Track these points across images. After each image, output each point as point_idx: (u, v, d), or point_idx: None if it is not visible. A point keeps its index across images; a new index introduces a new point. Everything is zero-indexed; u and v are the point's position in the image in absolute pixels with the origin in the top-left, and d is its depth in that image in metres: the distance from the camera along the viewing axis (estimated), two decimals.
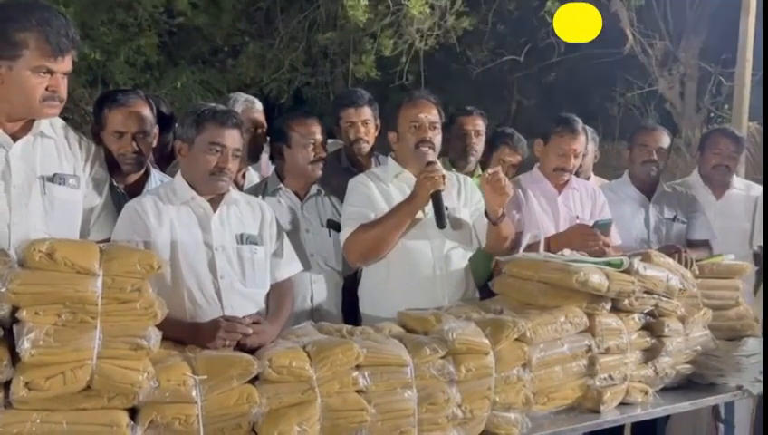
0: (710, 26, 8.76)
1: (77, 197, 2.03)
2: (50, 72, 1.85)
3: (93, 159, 2.11)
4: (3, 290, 1.46)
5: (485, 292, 2.57)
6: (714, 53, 8.45)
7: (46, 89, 1.86)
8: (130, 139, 2.29)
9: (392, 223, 2.36)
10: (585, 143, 2.88)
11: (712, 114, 9.22)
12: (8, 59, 1.82)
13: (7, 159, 1.90)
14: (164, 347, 1.69)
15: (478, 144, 3.12)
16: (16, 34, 1.80)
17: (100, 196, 2.11)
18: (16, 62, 1.81)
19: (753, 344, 2.53)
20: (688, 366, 2.47)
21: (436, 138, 2.46)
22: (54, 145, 2.01)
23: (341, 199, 2.61)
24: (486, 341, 1.99)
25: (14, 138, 1.92)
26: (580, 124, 2.81)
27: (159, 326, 1.65)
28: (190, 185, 2.11)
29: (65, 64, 1.87)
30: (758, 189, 3.47)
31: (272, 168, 2.85)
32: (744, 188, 3.50)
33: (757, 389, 2.45)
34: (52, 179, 1.97)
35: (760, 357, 2.44)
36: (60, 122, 2.05)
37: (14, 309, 1.50)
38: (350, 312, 2.60)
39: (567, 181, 2.88)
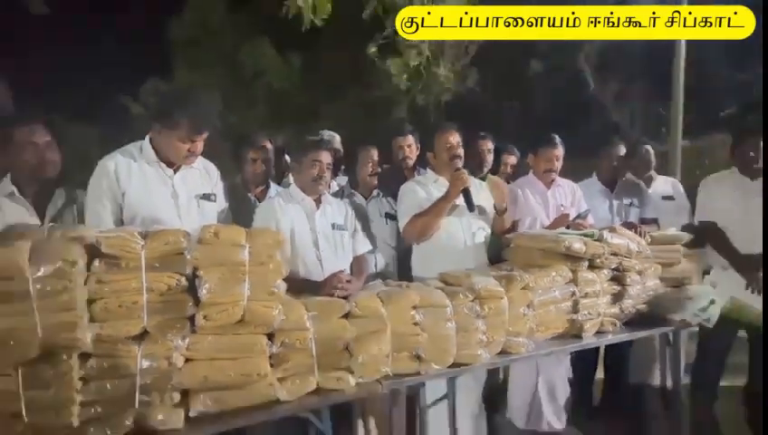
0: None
1: (216, 208, 2.11)
2: (192, 141, 1.92)
3: (220, 179, 2.18)
4: (188, 257, 1.56)
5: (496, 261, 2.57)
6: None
7: (188, 150, 1.93)
8: (260, 164, 2.50)
9: (435, 212, 2.42)
10: (563, 152, 2.87)
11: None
12: (166, 128, 1.91)
13: (174, 186, 1.99)
14: (288, 295, 1.77)
15: (489, 158, 3.14)
16: (173, 115, 1.87)
17: (225, 202, 2.18)
18: (171, 131, 1.90)
19: (692, 289, 2.49)
20: (645, 306, 2.44)
21: (462, 153, 2.51)
22: (199, 173, 2.08)
23: (395, 198, 2.69)
24: (502, 289, 2.02)
25: (174, 170, 2.01)
26: (558, 139, 2.82)
27: (294, 283, 1.73)
28: (301, 190, 2.24)
29: (204, 134, 1.94)
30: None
31: (345, 179, 2.98)
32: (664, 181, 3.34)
33: (696, 320, 2.42)
34: (202, 197, 2.06)
35: (697, 298, 2.41)
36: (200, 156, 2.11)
37: (194, 269, 1.58)
38: (404, 275, 2.66)
39: (553, 180, 2.87)
